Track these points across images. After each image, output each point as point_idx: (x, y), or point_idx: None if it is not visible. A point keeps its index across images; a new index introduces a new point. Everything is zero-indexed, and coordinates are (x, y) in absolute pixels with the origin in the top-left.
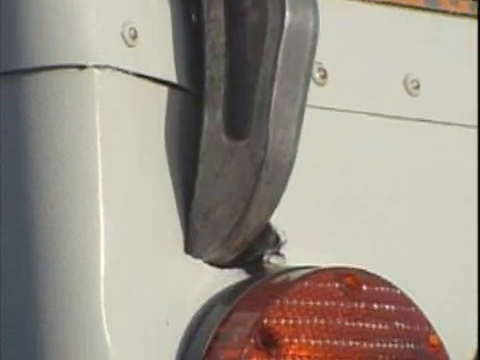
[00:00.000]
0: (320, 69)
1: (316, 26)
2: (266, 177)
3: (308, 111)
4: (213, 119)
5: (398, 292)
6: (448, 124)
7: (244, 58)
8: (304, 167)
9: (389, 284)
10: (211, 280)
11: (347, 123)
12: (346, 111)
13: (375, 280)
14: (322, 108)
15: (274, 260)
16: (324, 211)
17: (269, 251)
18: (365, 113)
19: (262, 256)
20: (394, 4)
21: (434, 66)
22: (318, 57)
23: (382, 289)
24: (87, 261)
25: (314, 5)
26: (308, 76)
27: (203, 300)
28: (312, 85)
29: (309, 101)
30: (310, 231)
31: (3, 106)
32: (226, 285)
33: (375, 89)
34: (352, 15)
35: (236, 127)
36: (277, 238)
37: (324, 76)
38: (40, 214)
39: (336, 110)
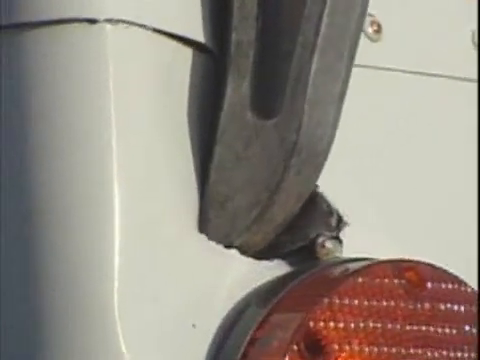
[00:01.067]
0: (373, 23)
1: None
2: (297, 165)
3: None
4: (237, 91)
5: (469, 290)
6: None
7: (279, 22)
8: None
9: (458, 280)
10: (245, 272)
11: (405, 85)
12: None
13: (442, 275)
14: (376, 68)
15: (330, 245)
16: (378, 190)
17: (327, 234)
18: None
19: (315, 240)
20: None
21: None
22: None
23: (450, 286)
24: (98, 250)
25: None
26: (353, 50)
27: (236, 297)
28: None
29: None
30: (363, 212)
31: (3, 65)
32: (264, 279)
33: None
34: None
35: (264, 103)
36: (339, 218)
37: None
38: (45, 195)
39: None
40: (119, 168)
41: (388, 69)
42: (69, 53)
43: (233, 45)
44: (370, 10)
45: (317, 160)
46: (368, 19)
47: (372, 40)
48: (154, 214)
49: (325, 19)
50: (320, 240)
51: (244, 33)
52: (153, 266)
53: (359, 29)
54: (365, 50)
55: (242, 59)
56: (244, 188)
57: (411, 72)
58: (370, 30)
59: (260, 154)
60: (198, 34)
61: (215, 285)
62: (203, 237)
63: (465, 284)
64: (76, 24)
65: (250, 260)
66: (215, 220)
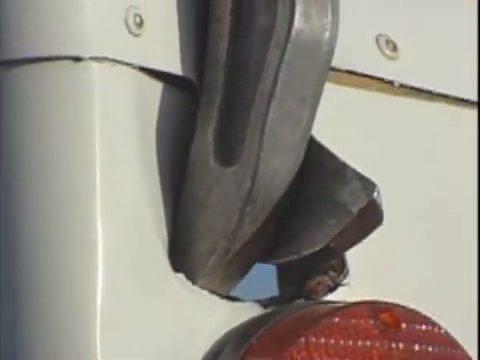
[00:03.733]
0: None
1: (333, 37)
2: (252, 213)
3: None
4: (203, 138)
5: (442, 332)
6: None
7: (245, 69)
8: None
9: (432, 322)
10: (224, 314)
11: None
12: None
13: (416, 317)
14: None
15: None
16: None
17: (329, 283)
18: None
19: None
20: None
21: None
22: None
23: (424, 328)
24: (80, 295)
25: (334, 12)
26: (318, 96)
27: (213, 339)
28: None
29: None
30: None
31: None
32: (241, 320)
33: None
34: None
35: (226, 150)
36: (343, 264)
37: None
38: (32, 222)
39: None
40: (102, 205)
41: (405, 86)
42: (55, 90)
43: (203, 91)
44: (386, 31)
45: (274, 208)
46: (383, 39)
47: (389, 58)
48: (137, 254)
49: (284, 66)
50: (320, 288)
51: (213, 78)
52: (135, 308)
53: (324, 75)
54: (384, 68)
55: (209, 106)
56: (204, 235)
57: (426, 90)
58: (387, 50)
59: (219, 201)
60: (183, 71)
61: (195, 327)
62: (183, 278)
63: (439, 326)
64: (62, 61)
65: (228, 302)
66: (180, 264)
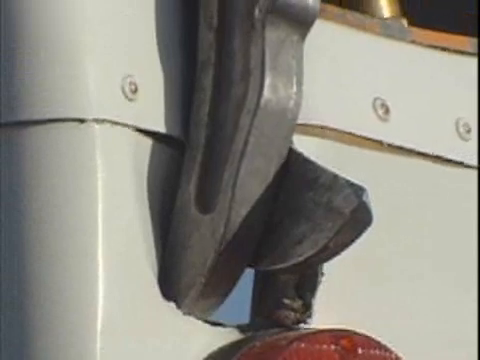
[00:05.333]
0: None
1: (297, 105)
2: (225, 253)
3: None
4: (186, 189)
5: (393, 356)
6: None
7: (222, 131)
8: None
9: (384, 347)
10: (209, 339)
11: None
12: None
13: (371, 343)
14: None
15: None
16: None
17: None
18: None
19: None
20: (443, 48)
21: None
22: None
23: (377, 352)
24: (83, 319)
25: (298, 84)
26: (283, 155)
27: None
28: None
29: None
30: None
31: (3, 158)
32: (222, 344)
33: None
34: (403, 57)
35: (204, 200)
36: (308, 306)
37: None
38: (39, 265)
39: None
40: (103, 245)
41: (395, 146)
42: (62, 147)
43: (187, 150)
44: (379, 95)
45: (243, 249)
46: (378, 102)
47: (382, 120)
48: (134, 284)
49: (254, 130)
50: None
51: (196, 139)
52: (132, 334)
53: (289, 137)
54: (375, 129)
55: (191, 163)
56: (185, 271)
57: (415, 151)
58: (380, 112)
59: (198, 243)
60: (173, 131)
61: (182, 349)
62: (172, 305)
63: (390, 351)
64: (67, 123)
65: (211, 327)
66: (168, 294)
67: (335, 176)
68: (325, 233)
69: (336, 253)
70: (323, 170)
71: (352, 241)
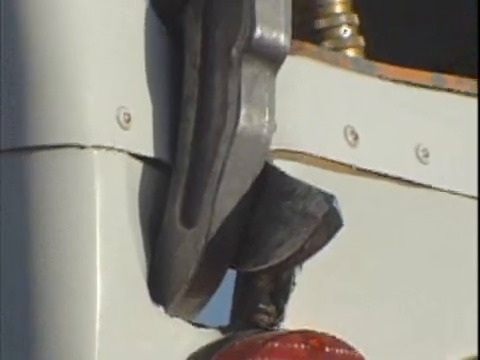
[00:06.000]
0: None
1: (269, 132)
2: (206, 264)
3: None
4: (172, 207)
5: (356, 355)
6: (453, 193)
7: (203, 157)
8: None
9: (348, 346)
10: (192, 339)
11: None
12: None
13: (337, 342)
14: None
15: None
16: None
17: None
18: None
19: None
20: (407, 82)
21: (441, 138)
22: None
23: (342, 351)
24: (82, 325)
25: (270, 114)
26: (256, 177)
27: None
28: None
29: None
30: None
31: (3, 184)
32: (205, 343)
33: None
34: (372, 90)
35: (188, 217)
36: (280, 311)
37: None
38: (43, 283)
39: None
40: (101, 257)
41: (362, 169)
42: (63, 171)
43: (173, 173)
44: (350, 123)
45: (222, 259)
46: (349, 130)
47: (352, 146)
48: (128, 293)
49: (231, 156)
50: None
51: (181, 163)
52: (127, 335)
53: (262, 161)
54: (347, 155)
55: (177, 184)
56: (172, 278)
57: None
58: (350, 138)
59: (182, 254)
60: (163, 156)
61: (169, 348)
62: (160, 308)
63: (354, 349)
64: (69, 149)
65: (195, 328)
66: (157, 298)
67: (309, 186)
68: (301, 236)
69: (311, 254)
70: (298, 182)
71: (325, 243)
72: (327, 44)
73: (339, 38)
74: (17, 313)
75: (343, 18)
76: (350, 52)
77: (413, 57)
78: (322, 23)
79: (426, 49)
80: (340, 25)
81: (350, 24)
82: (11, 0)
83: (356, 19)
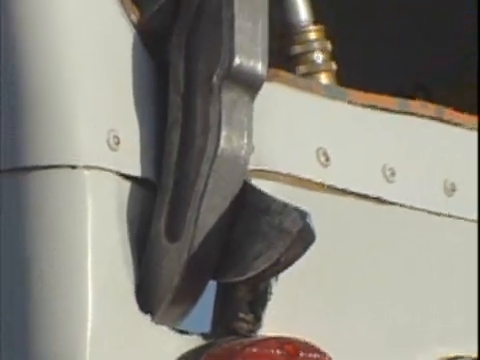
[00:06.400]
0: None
1: (248, 153)
2: (188, 276)
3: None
4: (158, 223)
5: (326, 359)
6: (417, 209)
7: (187, 176)
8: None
9: (321, 352)
10: (177, 345)
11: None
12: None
13: (310, 348)
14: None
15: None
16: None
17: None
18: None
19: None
20: (374, 107)
21: (407, 158)
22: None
23: (315, 356)
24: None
25: (248, 136)
26: (236, 194)
27: None
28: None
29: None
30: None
31: (2, 202)
32: (189, 349)
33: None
34: (342, 114)
35: (172, 232)
36: (258, 319)
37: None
38: (39, 295)
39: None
40: (92, 267)
41: (333, 187)
42: (57, 189)
43: (158, 192)
44: (322, 145)
45: (203, 271)
46: (321, 151)
47: (323, 166)
48: (117, 302)
49: (212, 175)
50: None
51: (165, 183)
52: (117, 342)
53: (241, 179)
54: (319, 174)
55: (161, 203)
56: (157, 289)
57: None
58: (322, 159)
59: (167, 267)
60: (149, 175)
61: (156, 353)
62: (147, 316)
63: (325, 354)
64: (62, 169)
65: (179, 335)
66: (144, 307)
67: (285, 204)
68: (277, 250)
69: (286, 266)
70: (274, 199)
71: (299, 256)
72: (302, 68)
73: (313, 63)
74: (16, 319)
75: (316, 44)
76: (323, 76)
77: (380, 82)
78: (297, 49)
79: (391, 75)
80: (313, 51)
81: (323, 50)
82: (7, 28)
83: (329, 45)
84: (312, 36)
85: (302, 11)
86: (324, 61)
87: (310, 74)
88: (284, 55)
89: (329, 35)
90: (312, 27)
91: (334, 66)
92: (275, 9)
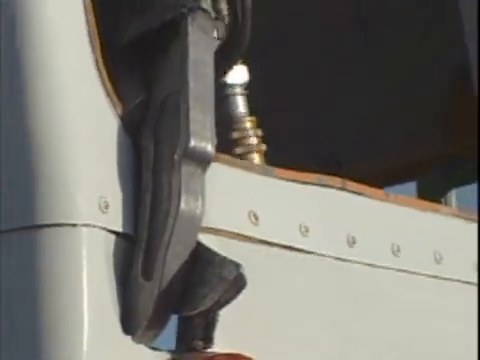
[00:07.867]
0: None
1: (201, 214)
2: (158, 308)
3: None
4: (136, 266)
5: None
6: (328, 257)
7: (156, 231)
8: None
9: None
10: (152, 359)
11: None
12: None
13: None
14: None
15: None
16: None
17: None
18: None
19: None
20: (296, 181)
21: (319, 219)
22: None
23: None
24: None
25: (202, 200)
26: (193, 245)
27: None
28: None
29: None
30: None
31: (3, 261)
32: None
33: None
34: (270, 186)
35: (146, 272)
36: (210, 339)
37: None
38: (42, 326)
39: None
40: (88, 308)
41: (262, 240)
42: (59, 244)
43: (136, 242)
44: (253, 208)
45: (170, 304)
46: (252, 213)
47: (254, 224)
48: (106, 328)
49: (175, 229)
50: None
51: (141, 235)
52: (107, 358)
53: (196, 233)
54: (250, 231)
55: (139, 249)
56: (136, 318)
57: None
58: (253, 219)
59: (142, 301)
60: (128, 232)
61: None
62: (130, 339)
63: None
64: (64, 227)
65: (153, 351)
66: (126, 330)
67: (224, 257)
68: (218, 292)
69: (225, 304)
70: (216, 254)
71: (234, 297)
72: (239, 150)
73: (248, 145)
74: (21, 344)
75: (250, 132)
76: (255, 156)
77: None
78: (236, 135)
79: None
80: (248, 136)
81: (256, 135)
82: (13, 104)
83: (260, 132)
84: (247, 125)
85: (240, 106)
86: (256, 144)
87: (246, 154)
88: (225, 139)
89: (259, 124)
90: (248, 118)
91: (264, 147)
92: (218, 104)
